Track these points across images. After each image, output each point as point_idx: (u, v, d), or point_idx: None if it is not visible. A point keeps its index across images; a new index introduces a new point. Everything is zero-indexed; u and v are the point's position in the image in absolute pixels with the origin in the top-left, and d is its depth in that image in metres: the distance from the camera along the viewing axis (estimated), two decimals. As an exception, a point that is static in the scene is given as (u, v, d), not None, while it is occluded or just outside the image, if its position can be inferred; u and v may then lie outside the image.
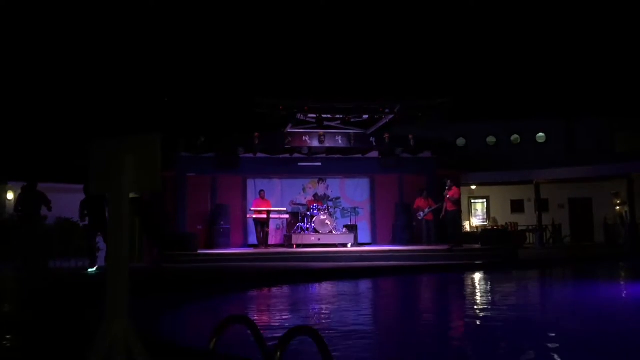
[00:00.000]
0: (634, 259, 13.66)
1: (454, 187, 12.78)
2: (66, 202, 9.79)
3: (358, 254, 12.65)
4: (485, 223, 20.01)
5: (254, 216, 14.27)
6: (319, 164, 15.78)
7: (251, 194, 15.58)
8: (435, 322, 6.02)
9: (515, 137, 20.87)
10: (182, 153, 14.96)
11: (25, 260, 9.30)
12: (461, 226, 12.86)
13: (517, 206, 20.20)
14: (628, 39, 22.39)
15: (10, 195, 14.13)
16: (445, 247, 12.76)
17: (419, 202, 14.65)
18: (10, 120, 17.89)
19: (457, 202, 12.80)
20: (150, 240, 11.06)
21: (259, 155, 15.41)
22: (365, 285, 9.64)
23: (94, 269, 9.41)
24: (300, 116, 13.72)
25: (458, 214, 12.92)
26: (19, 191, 9.99)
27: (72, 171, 13.22)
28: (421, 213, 14.46)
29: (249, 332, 2.50)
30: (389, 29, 24.52)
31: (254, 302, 7.74)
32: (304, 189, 16.28)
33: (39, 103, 19.08)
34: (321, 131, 14.64)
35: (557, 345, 4.48)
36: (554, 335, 4.94)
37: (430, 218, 14.47)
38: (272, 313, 6.46)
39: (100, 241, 9.99)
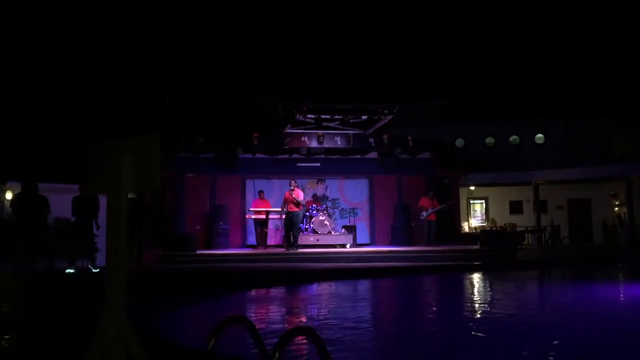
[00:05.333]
0: (632, 260, 13.66)
1: (297, 189, 12.93)
2: (64, 202, 9.77)
3: (357, 255, 12.67)
4: (484, 224, 20.01)
5: (253, 216, 14.29)
6: (318, 164, 15.78)
7: (250, 194, 15.57)
8: (434, 323, 6.02)
9: (514, 138, 20.87)
10: (181, 153, 14.95)
11: (28, 261, 9.29)
12: (299, 229, 13.03)
13: (515, 207, 20.21)
14: (627, 40, 22.44)
15: (9, 195, 14.08)
16: (443, 247, 12.72)
17: (424, 201, 14.67)
18: (9, 121, 17.87)
19: (298, 204, 12.75)
20: (140, 241, 10.99)
21: (258, 155, 15.41)
22: (363, 285, 9.64)
23: (72, 269, 9.45)
24: (299, 117, 13.71)
25: (299, 216, 12.93)
26: (17, 192, 9.95)
27: (70, 171, 13.20)
28: (424, 213, 14.51)
29: (247, 332, 2.50)
30: (388, 30, 24.55)
31: (253, 303, 7.73)
32: (302, 190, 16.27)
33: (38, 103, 19.06)
34: (320, 132, 14.64)
35: (555, 346, 4.48)
36: (552, 335, 4.94)
37: (433, 218, 14.55)
38: (271, 313, 6.46)
39: (99, 241, 9.99)
